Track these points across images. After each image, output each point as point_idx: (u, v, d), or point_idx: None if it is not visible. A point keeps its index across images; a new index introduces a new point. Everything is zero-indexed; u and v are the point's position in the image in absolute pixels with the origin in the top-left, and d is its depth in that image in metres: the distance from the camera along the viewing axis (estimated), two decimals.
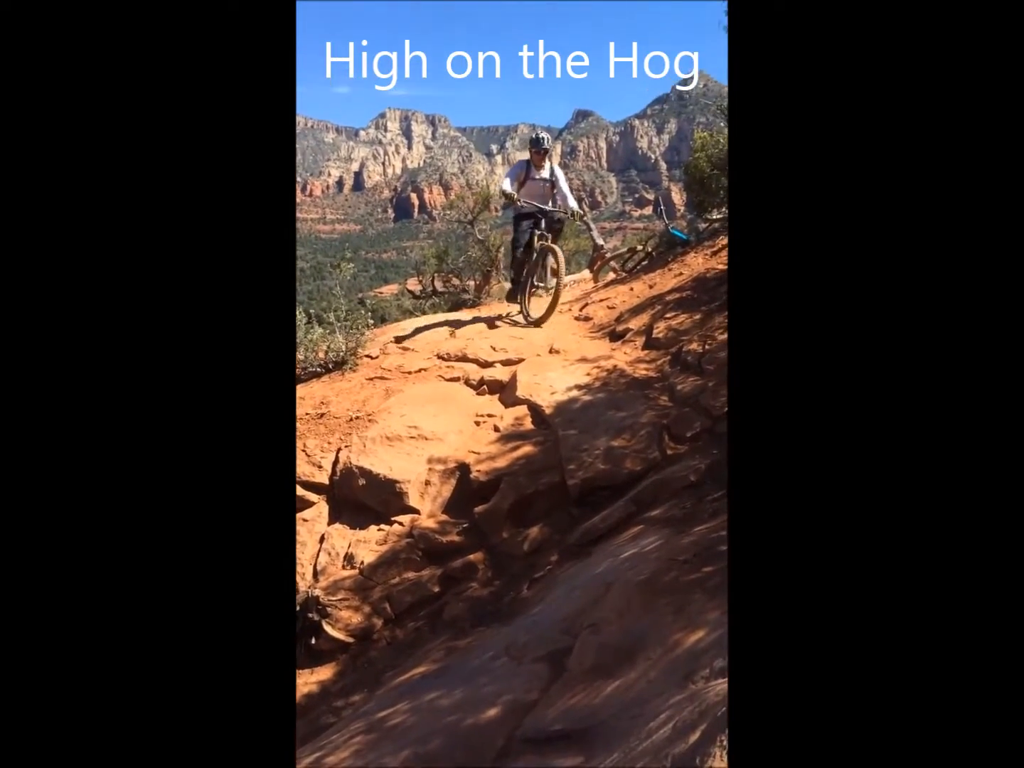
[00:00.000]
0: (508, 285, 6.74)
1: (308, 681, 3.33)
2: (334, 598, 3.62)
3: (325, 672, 3.39)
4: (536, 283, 6.02)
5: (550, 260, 5.82)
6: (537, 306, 6.14)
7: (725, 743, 1.33)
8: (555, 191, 6.06)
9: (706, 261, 5.88)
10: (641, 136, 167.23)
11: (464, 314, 6.81)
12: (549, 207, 5.96)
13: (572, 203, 6.10)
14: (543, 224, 5.91)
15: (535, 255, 5.95)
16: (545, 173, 6.06)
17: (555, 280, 5.71)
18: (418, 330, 5.98)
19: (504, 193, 5.95)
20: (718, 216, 6.95)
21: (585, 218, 6.28)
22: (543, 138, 6.18)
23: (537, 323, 5.73)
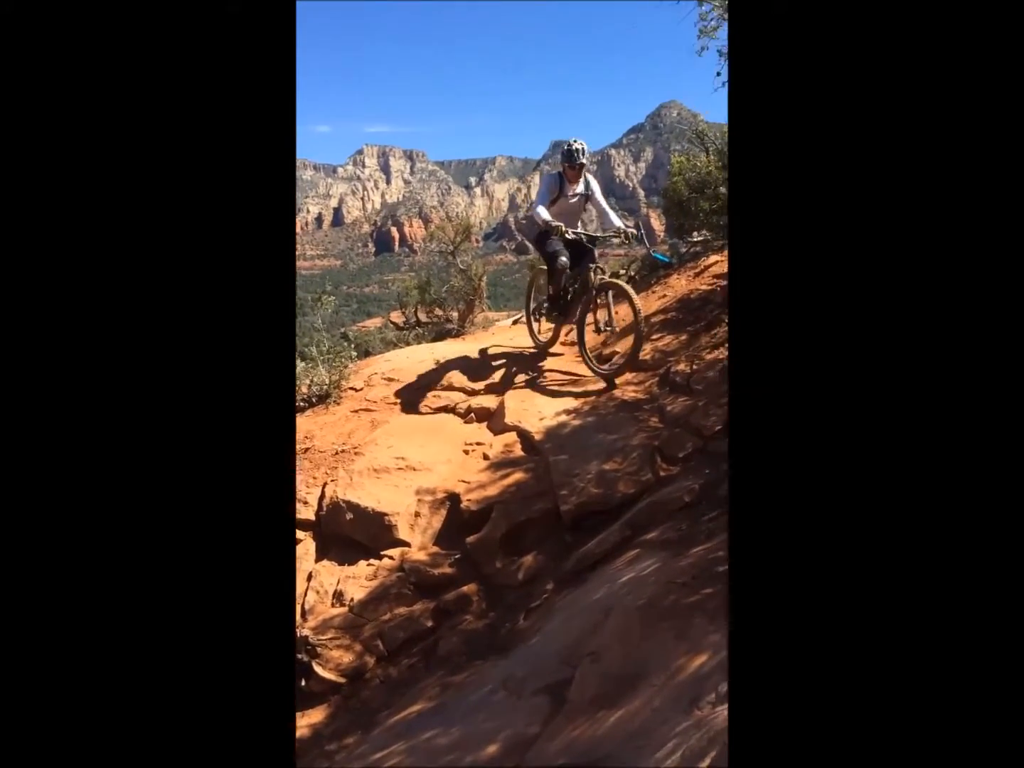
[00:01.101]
0: (505, 314, 6.17)
1: (299, 724, 3.21)
2: (324, 637, 3.52)
3: (316, 715, 3.27)
4: (603, 327, 4.90)
5: (613, 297, 4.81)
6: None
7: None
8: (587, 206, 5.18)
9: (689, 283, 5.91)
10: (618, 165, 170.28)
11: (451, 344, 6.79)
12: (579, 229, 5.04)
13: (615, 219, 5.05)
14: (595, 253, 4.94)
15: (592, 292, 4.84)
16: (580, 188, 5.09)
17: (634, 323, 4.56)
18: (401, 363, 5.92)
19: (549, 225, 4.84)
20: (699, 238, 7.01)
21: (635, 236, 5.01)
22: (577, 150, 4.97)
23: (612, 376, 4.61)
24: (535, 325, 5.68)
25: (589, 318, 4.93)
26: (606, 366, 4.74)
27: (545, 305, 5.41)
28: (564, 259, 4.92)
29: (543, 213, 4.92)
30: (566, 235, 4.83)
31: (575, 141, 5.04)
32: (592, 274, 4.83)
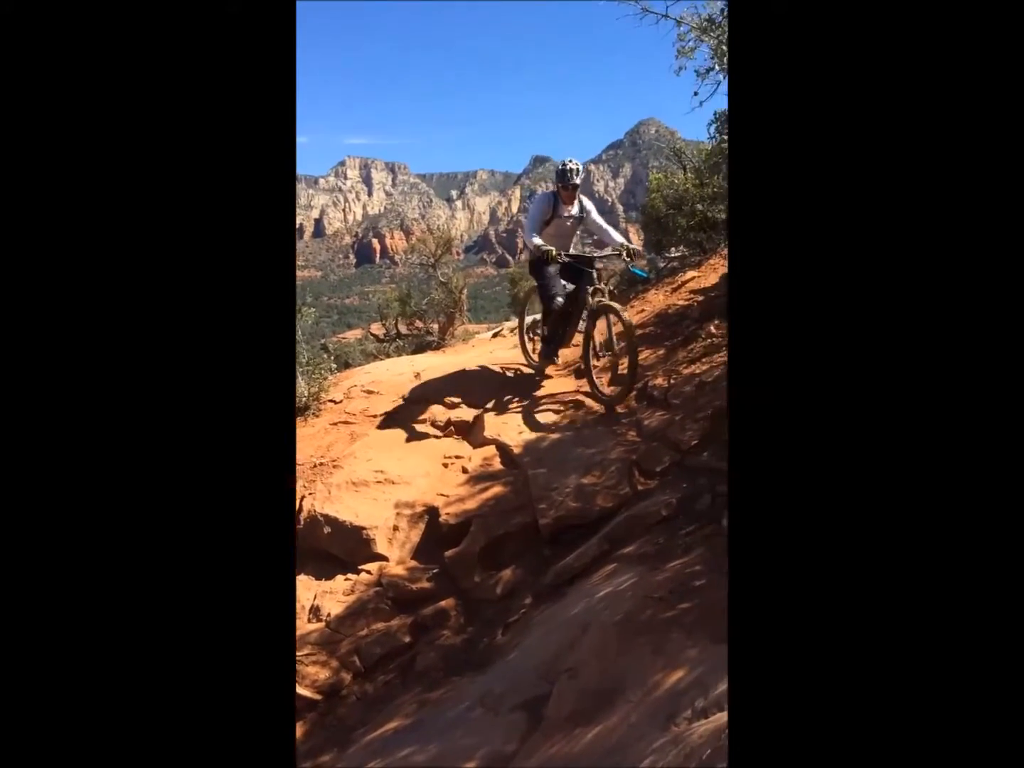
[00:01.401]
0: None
1: None
2: (300, 653, 3.48)
3: None
4: (601, 352, 4.56)
5: (611, 320, 4.45)
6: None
7: None
8: (581, 228, 5.01)
9: (667, 297, 5.96)
10: (597, 180, 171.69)
11: (431, 356, 6.78)
12: (572, 251, 4.80)
13: (616, 236, 4.83)
14: (594, 276, 4.63)
15: (593, 314, 4.58)
16: (574, 209, 4.88)
17: (623, 345, 4.35)
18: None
19: (542, 251, 4.59)
20: (676, 254, 7.09)
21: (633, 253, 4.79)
22: (571, 170, 4.75)
23: (612, 401, 4.38)
24: (528, 344, 5.47)
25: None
26: (608, 391, 4.49)
27: (540, 330, 5.18)
28: (560, 300, 4.70)
29: (535, 239, 4.71)
30: (559, 259, 4.59)
31: (569, 161, 4.83)
32: (590, 297, 4.61)
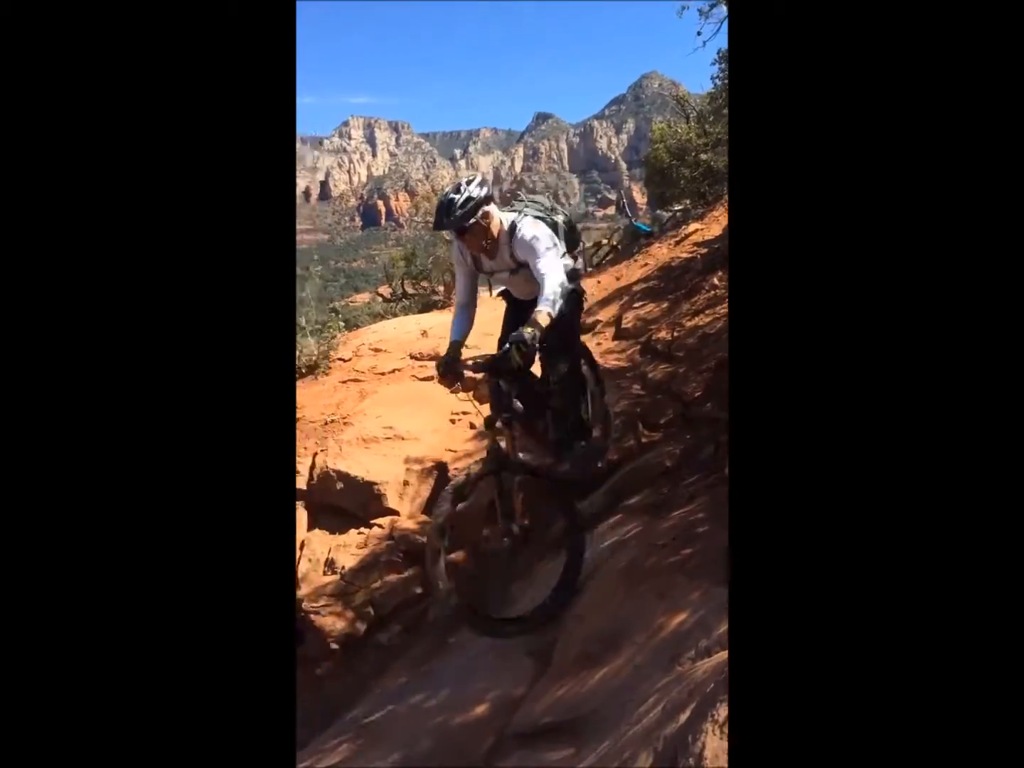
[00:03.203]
0: None
1: None
2: (316, 604, 3.57)
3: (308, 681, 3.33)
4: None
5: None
6: None
7: (717, 718, 1.32)
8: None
9: (670, 251, 5.91)
10: (600, 136, 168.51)
11: (437, 315, 6.78)
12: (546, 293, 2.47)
13: (545, 301, 2.43)
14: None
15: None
16: (504, 257, 2.73)
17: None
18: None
19: (439, 368, 2.81)
20: (679, 207, 7.00)
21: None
22: (449, 203, 2.55)
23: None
24: None
25: None
26: None
27: None
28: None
29: (453, 322, 2.92)
30: (458, 385, 3.07)
31: (452, 188, 2.66)
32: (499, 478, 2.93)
